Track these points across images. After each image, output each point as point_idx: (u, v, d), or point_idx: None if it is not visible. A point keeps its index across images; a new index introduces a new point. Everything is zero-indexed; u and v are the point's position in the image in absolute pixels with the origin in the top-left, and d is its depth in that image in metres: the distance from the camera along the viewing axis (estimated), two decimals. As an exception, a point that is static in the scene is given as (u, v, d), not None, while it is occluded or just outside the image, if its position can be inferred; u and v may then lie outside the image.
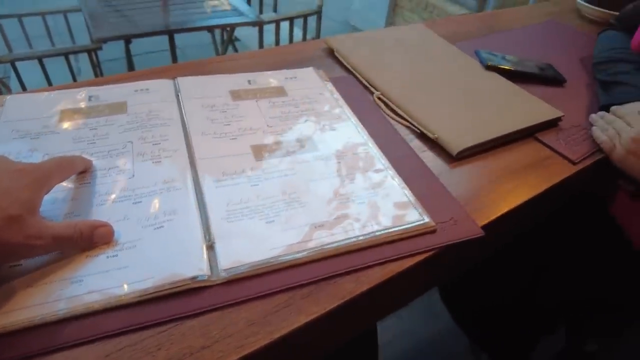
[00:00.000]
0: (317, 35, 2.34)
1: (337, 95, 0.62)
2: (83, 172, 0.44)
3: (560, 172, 0.56)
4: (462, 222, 0.45)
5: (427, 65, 0.72)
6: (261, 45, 2.09)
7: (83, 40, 2.10)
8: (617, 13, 1.03)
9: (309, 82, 0.64)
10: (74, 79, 1.75)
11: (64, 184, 0.42)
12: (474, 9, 3.00)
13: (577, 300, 0.80)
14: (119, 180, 0.44)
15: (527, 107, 0.64)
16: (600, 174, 0.64)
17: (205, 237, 0.39)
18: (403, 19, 3.36)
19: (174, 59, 2.04)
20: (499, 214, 0.48)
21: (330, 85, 0.64)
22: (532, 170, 0.56)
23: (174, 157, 0.47)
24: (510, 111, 0.63)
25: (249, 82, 0.62)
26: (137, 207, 0.41)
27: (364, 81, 0.67)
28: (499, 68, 0.74)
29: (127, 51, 2.09)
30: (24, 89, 1.71)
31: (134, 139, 0.49)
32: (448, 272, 0.53)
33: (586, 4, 1.11)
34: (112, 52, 2.35)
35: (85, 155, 0.46)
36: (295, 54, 0.74)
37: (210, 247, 0.38)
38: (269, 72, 0.65)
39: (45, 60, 1.65)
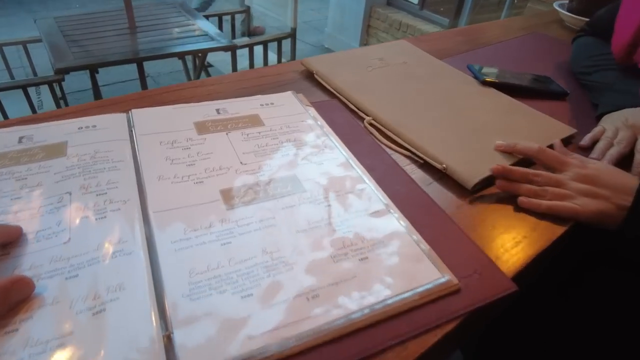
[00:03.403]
0: (292, 58, 2.28)
1: (321, 121, 0.54)
2: (6, 244, 0.34)
3: (587, 200, 0.48)
4: (488, 274, 0.36)
5: (419, 84, 0.64)
6: (235, 70, 2.01)
7: (48, 71, 1.99)
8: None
9: (288, 108, 0.55)
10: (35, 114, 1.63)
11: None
12: (447, 27, 3.01)
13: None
14: (49, 247, 0.34)
15: (538, 125, 0.57)
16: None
17: (160, 324, 0.29)
18: (377, 40, 3.35)
19: (144, 88, 1.94)
20: (529, 258, 0.40)
21: (312, 111, 0.56)
22: (554, 199, 0.48)
23: (122, 210, 0.37)
24: (521, 132, 0.55)
25: (218, 111, 0.53)
26: (71, 285, 0.31)
27: (351, 105, 0.59)
28: (497, 83, 0.67)
29: (94, 81, 1.98)
30: (-23, 126, 1.58)
31: (74, 189, 0.39)
32: (471, 333, 0.43)
33: (570, 14, 1.07)
34: (79, 82, 2.25)
35: (5, 216, 0.36)
36: (270, 77, 0.65)
37: (168, 339, 0.28)
38: (242, 99, 0.56)
39: (3, 94, 1.53)
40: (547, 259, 0.44)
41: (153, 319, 0.29)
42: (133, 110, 0.50)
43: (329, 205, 0.40)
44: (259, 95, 0.57)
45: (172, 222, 0.37)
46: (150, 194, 0.39)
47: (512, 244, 0.41)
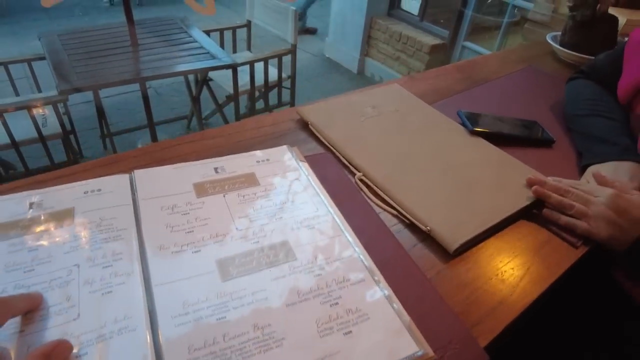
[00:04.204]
0: (293, 74, 2.32)
1: (313, 178, 0.57)
2: (29, 312, 0.37)
3: (564, 260, 0.52)
4: (463, 344, 0.40)
5: (410, 136, 0.67)
6: (236, 87, 2.04)
7: (51, 86, 2.02)
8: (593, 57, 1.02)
9: (282, 165, 0.59)
10: (39, 133, 1.66)
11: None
12: (446, 38, 3.04)
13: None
14: (60, 324, 0.37)
15: (521, 181, 0.59)
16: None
17: (161, 406, 0.32)
18: (377, 51, 3.39)
19: (147, 105, 1.98)
20: (504, 325, 0.43)
21: (305, 167, 0.59)
22: (532, 260, 0.51)
23: (127, 283, 0.41)
24: (505, 188, 0.58)
25: (216, 170, 0.56)
26: (80, 363, 0.34)
27: (343, 159, 0.62)
28: (485, 132, 0.70)
29: (97, 99, 2.02)
30: (-17, 146, 1.61)
31: (81, 261, 0.42)
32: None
33: (562, 49, 1.10)
34: (82, 94, 2.27)
35: (20, 290, 0.39)
36: (267, 128, 0.68)
37: (168, 421, 0.31)
38: (239, 156, 0.59)
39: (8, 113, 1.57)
40: (521, 322, 0.47)
41: (154, 401, 0.32)
42: (135, 172, 0.53)
43: (318, 275, 0.44)
44: (256, 152, 0.60)
45: (172, 295, 0.40)
46: (152, 266, 0.42)
47: (488, 309, 0.44)
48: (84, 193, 0.50)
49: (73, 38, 2.02)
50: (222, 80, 2.27)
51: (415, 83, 0.87)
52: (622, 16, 1.18)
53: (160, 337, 0.36)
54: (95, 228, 0.46)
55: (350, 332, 0.39)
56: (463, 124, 0.72)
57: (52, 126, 1.80)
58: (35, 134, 1.69)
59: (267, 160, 0.59)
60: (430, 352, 0.38)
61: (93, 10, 4.56)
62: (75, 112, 2.31)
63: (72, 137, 1.91)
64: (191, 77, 2.42)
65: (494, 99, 0.86)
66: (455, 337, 0.40)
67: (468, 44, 2.97)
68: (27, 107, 1.60)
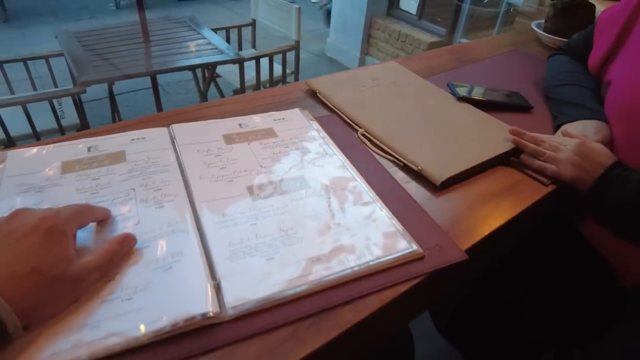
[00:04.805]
0: (297, 69, 2.42)
1: (323, 133, 0.67)
2: (102, 220, 0.47)
3: (533, 194, 0.61)
4: (447, 247, 0.49)
5: (405, 101, 0.77)
6: (242, 81, 2.15)
7: (64, 83, 2.12)
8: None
9: (296, 122, 0.69)
10: (59, 124, 1.77)
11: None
12: (443, 36, 3.15)
13: (561, 317, 0.83)
14: (126, 227, 0.47)
15: (501, 135, 0.69)
16: (568, 195, 0.69)
17: (211, 276, 0.42)
18: (377, 49, 3.49)
19: (157, 97, 2.08)
20: (480, 237, 0.53)
21: (316, 125, 0.69)
22: (507, 194, 0.60)
23: (175, 201, 0.50)
24: (485, 140, 0.68)
25: (240, 125, 0.66)
26: (145, 251, 0.44)
27: (347, 119, 0.72)
28: (471, 99, 0.80)
29: (111, 92, 2.13)
30: (7, 135, 1.71)
31: (136, 186, 0.52)
32: (439, 294, 0.56)
33: (545, 34, 1.20)
34: (94, 92, 2.39)
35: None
36: (280, 96, 0.78)
37: (217, 286, 0.41)
38: (258, 115, 0.69)
39: (28, 105, 1.67)
40: (496, 241, 0.56)
41: (206, 272, 0.42)
42: (173, 125, 0.63)
43: (329, 198, 0.53)
44: (272, 112, 0.70)
45: (213, 209, 0.50)
46: (194, 189, 0.52)
47: (468, 226, 0.54)
48: (131, 140, 0.60)
49: (89, 36, 2.13)
50: (229, 76, 2.37)
51: (411, 62, 0.97)
52: (599, 4, 1.28)
53: (206, 236, 0.46)
54: (144, 163, 0.56)
55: (355, 235, 0.48)
56: (452, 93, 0.82)
57: (69, 117, 1.90)
58: (55, 125, 1.79)
59: (283, 119, 0.69)
60: (420, 250, 0.48)
61: (100, 14, 4.68)
62: (87, 109, 2.41)
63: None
64: (199, 75, 2.52)
65: (482, 75, 0.96)
66: (441, 242, 0.50)
67: (464, 40, 3.08)
68: (49, 98, 1.70)
